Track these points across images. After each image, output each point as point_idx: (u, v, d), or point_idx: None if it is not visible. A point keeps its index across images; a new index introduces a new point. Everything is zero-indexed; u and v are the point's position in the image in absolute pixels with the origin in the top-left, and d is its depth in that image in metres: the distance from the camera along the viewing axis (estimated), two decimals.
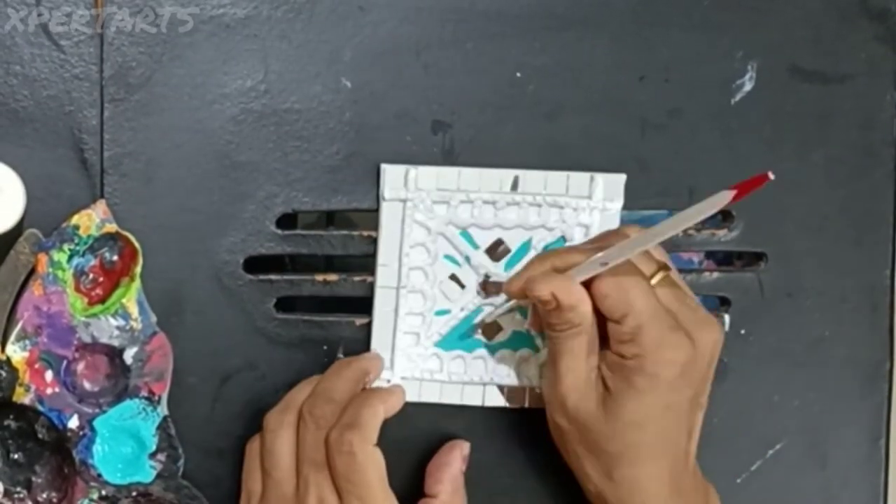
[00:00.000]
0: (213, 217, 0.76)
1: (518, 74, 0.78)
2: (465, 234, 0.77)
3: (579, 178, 0.77)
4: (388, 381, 0.78)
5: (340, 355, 0.77)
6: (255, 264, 0.77)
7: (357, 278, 0.77)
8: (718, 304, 0.81)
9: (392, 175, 0.76)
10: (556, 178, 0.77)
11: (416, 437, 0.79)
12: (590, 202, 0.77)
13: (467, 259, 0.77)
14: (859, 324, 0.82)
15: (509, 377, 0.79)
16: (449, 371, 0.78)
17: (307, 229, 0.77)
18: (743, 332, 0.81)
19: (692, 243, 0.80)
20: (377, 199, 0.77)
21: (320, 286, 0.77)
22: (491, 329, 0.79)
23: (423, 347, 0.78)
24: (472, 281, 0.78)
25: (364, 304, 0.78)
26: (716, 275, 0.81)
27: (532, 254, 0.77)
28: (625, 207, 0.79)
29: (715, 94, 0.80)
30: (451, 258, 0.78)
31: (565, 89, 0.78)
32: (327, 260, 0.78)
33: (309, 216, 0.81)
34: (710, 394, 0.74)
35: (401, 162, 0.77)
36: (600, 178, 0.77)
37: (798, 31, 0.80)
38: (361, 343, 0.78)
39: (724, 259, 0.84)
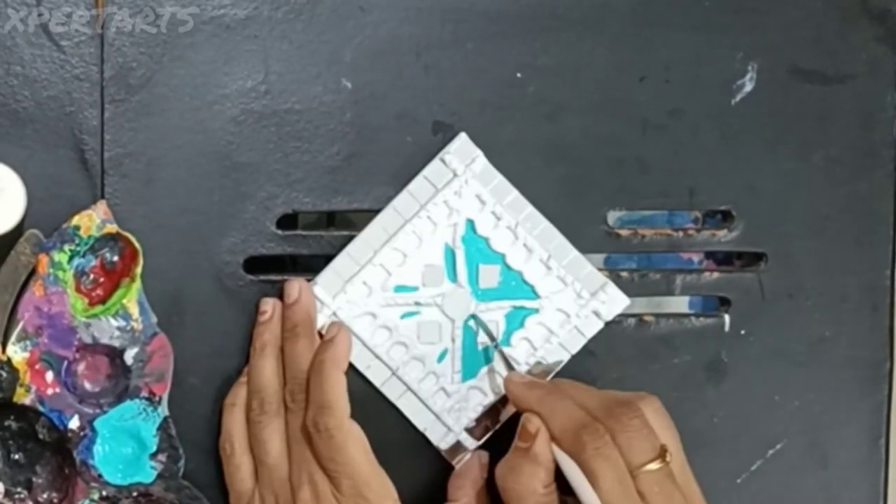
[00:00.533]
0: (214, 217, 0.76)
1: (518, 75, 0.78)
2: (396, 289, 0.78)
3: (435, 168, 0.77)
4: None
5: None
6: (256, 265, 0.77)
7: None
8: (718, 304, 0.81)
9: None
10: (419, 185, 0.77)
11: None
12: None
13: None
14: (860, 324, 0.82)
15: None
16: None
17: (308, 230, 0.77)
18: (743, 332, 0.81)
19: (692, 243, 0.80)
20: (377, 199, 0.77)
21: None
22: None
23: (457, 394, 0.78)
24: (435, 312, 0.78)
25: None
26: (716, 275, 0.81)
27: (459, 248, 0.78)
28: (626, 207, 0.79)
29: (715, 95, 0.80)
30: (408, 314, 0.78)
31: (566, 90, 0.78)
32: (328, 260, 0.78)
33: (309, 216, 0.82)
34: (710, 394, 0.75)
35: (400, 163, 0.77)
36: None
37: (798, 31, 0.80)
38: None
39: (723, 259, 0.84)
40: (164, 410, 0.74)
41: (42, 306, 0.73)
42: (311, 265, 0.78)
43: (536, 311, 0.78)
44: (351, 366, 0.76)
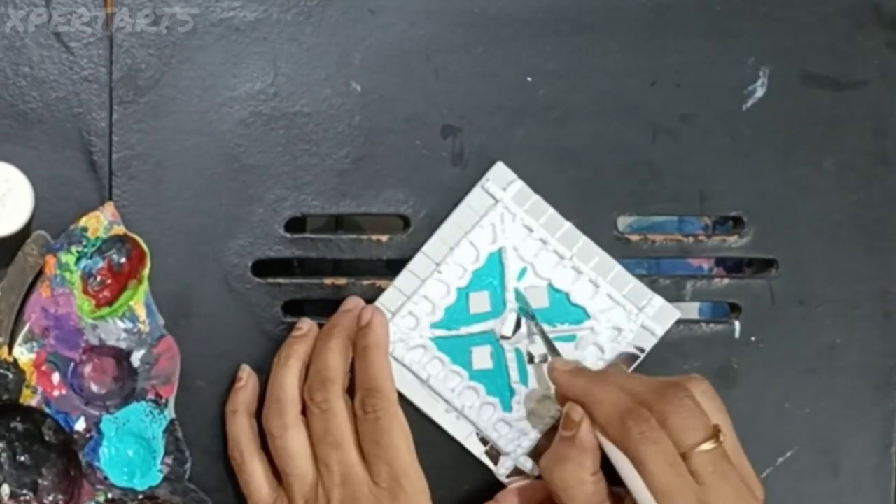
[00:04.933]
0: (222, 220, 0.75)
1: (529, 79, 0.78)
2: (445, 321, 0.77)
3: (477, 196, 0.77)
4: None
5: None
6: (264, 268, 0.76)
7: (365, 282, 0.77)
8: (729, 310, 0.81)
9: (500, 174, 0.76)
10: (463, 213, 0.77)
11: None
12: (639, 315, 0.78)
13: (503, 288, 0.77)
14: (871, 331, 0.81)
15: (467, 410, 0.77)
16: (427, 370, 0.77)
17: (316, 233, 0.77)
18: (753, 338, 0.80)
19: (703, 249, 0.80)
20: (386, 202, 0.76)
21: (328, 290, 0.77)
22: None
23: (418, 334, 0.77)
24: (498, 309, 0.77)
25: None
26: (726, 281, 0.80)
27: (510, 273, 0.78)
28: (636, 213, 0.78)
29: (726, 100, 0.79)
30: (497, 274, 0.78)
31: (576, 94, 0.78)
32: (335, 264, 0.78)
33: (317, 220, 0.81)
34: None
35: (409, 166, 0.76)
36: (658, 301, 0.78)
37: (810, 37, 0.80)
38: None
39: (734, 265, 0.83)
40: (170, 413, 0.74)
41: (49, 307, 0.73)
42: (319, 268, 0.78)
43: (592, 330, 0.78)
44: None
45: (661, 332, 0.78)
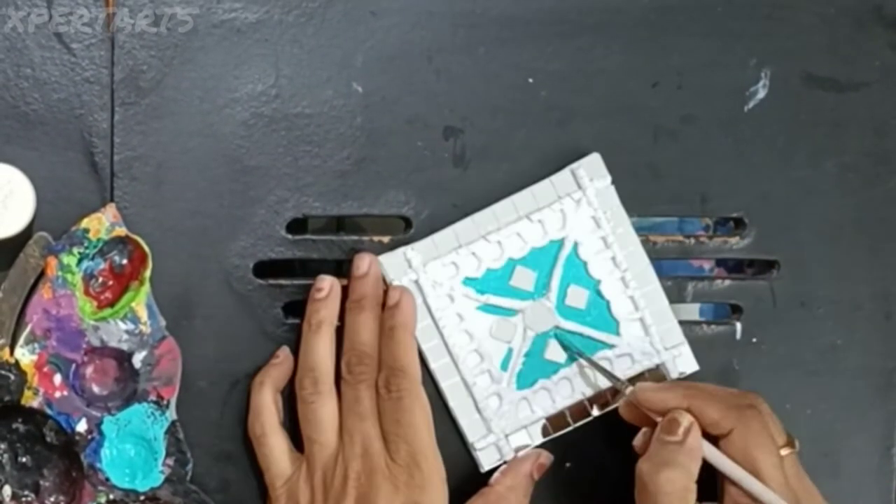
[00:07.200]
0: (223, 221, 0.75)
1: (530, 80, 0.78)
2: (482, 281, 0.77)
3: (562, 177, 0.77)
4: (415, 282, 0.77)
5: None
6: (265, 269, 0.76)
7: None
8: (730, 311, 0.81)
9: (392, 262, 0.76)
10: (543, 188, 0.77)
11: None
12: (661, 354, 0.78)
13: (551, 277, 0.77)
14: (872, 332, 0.81)
15: (465, 370, 0.77)
16: (542, 406, 0.78)
17: (317, 234, 0.77)
18: (755, 340, 0.80)
19: (704, 250, 0.80)
20: (388, 204, 0.77)
21: None
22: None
23: (450, 284, 0.77)
24: (539, 292, 0.78)
25: None
26: (728, 282, 0.80)
27: (559, 267, 0.78)
28: (638, 214, 0.78)
29: (728, 101, 0.79)
30: (484, 307, 0.77)
31: (577, 95, 0.78)
32: (337, 265, 0.78)
33: (319, 221, 0.81)
34: None
35: (411, 168, 0.76)
36: (686, 350, 0.78)
37: (812, 38, 0.80)
38: None
39: (735, 267, 0.83)
40: (172, 414, 0.74)
41: (50, 309, 0.73)
42: (321, 269, 0.78)
43: (611, 347, 0.78)
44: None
45: (673, 374, 0.79)
